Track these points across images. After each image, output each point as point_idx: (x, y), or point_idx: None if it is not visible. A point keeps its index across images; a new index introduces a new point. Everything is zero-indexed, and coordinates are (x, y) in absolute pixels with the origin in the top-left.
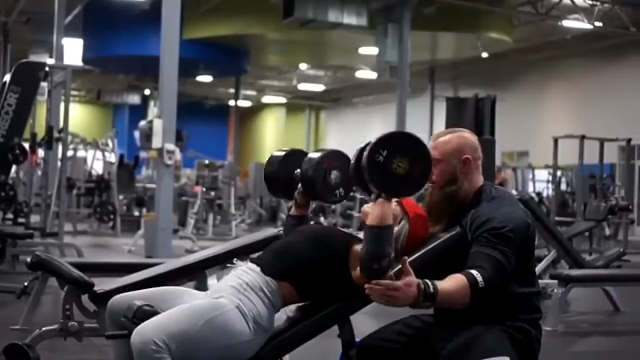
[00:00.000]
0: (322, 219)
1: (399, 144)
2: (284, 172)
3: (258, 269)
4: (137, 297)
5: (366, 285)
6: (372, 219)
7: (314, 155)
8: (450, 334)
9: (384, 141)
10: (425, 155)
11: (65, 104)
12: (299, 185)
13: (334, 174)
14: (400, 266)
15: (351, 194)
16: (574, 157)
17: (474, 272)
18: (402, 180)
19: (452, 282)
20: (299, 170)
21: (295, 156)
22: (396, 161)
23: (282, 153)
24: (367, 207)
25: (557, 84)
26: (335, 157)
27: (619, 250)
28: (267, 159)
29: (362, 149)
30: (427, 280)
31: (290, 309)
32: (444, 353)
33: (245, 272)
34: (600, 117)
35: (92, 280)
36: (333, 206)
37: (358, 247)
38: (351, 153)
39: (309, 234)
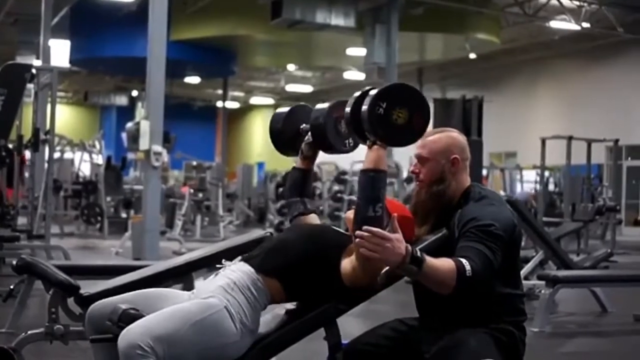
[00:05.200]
0: None
1: (397, 95)
2: (289, 128)
3: (247, 267)
4: (119, 303)
5: (357, 233)
6: (368, 163)
7: (321, 105)
8: (436, 338)
9: (382, 94)
10: (424, 103)
11: (52, 106)
12: (307, 136)
13: (344, 124)
14: None
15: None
16: (561, 158)
17: (463, 260)
18: (404, 130)
19: (441, 262)
20: (304, 125)
21: (299, 111)
22: (396, 112)
23: (287, 109)
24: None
25: (545, 84)
26: (343, 108)
27: (606, 251)
28: (253, 160)
29: (359, 99)
30: (416, 248)
31: (276, 311)
32: (428, 357)
33: (233, 271)
34: (588, 117)
35: (77, 283)
36: (321, 207)
37: (352, 246)
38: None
39: (303, 233)
